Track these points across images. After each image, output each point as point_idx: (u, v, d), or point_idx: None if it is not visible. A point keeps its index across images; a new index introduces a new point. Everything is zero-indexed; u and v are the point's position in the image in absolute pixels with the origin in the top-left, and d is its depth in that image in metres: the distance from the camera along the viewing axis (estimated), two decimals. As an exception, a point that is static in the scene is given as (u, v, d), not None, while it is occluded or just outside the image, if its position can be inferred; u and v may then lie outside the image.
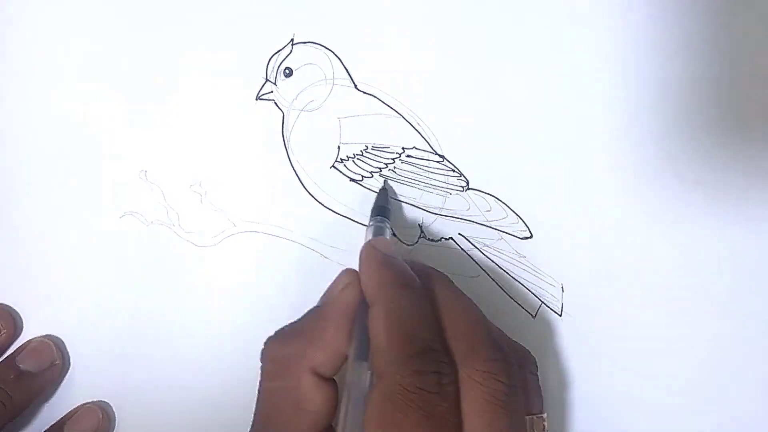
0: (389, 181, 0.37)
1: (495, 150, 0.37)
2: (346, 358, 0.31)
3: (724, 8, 0.36)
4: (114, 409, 0.39)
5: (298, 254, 0.38)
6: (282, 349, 0.31)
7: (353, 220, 0.37)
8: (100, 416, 0.38)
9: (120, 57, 0.37)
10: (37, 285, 0.39)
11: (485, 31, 0.36)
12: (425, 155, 0.37)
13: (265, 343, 0.32)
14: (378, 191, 0.37)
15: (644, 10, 0.36)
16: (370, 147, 0.37)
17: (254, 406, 0.32)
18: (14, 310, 0.39)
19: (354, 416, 0.28)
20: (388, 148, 0.37)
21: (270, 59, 0.37)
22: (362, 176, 0.37)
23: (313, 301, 0.37)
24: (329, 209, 0.38)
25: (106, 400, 0.39)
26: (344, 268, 0.33)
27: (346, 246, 0.37)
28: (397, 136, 0.37)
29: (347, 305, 0.31)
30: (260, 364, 0.32)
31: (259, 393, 0.31)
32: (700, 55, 0.36)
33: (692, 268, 0.37)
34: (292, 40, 0.37)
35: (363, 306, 0.31)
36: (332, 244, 0.38)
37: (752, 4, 0.36)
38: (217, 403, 0.38)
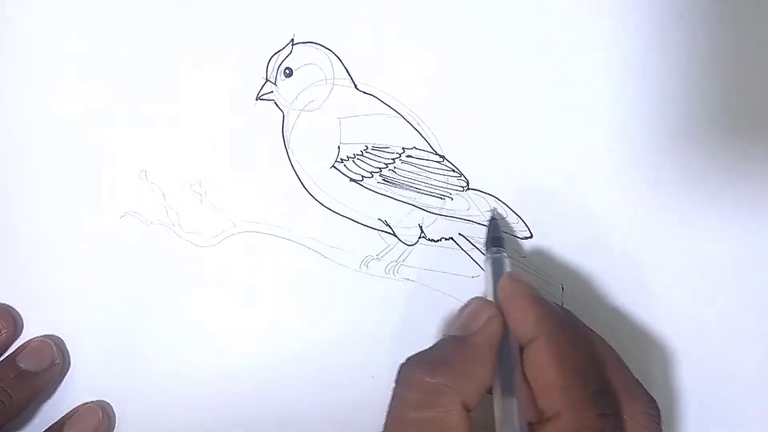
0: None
1: (495, 150, 0.37)
2: (487, 391, 0.31)
3: (724, 8, 0.36)
4: (114, 409, 0.39)
5: (298, 254, 0.38)
6: (432, 379, 0.30)
7: (353, 220, 0.37)
8: (100, 416, 0.38)
9: (120, 57, 0.37)
10: (37, 285, 0.39)
11: (485, 31, 0.36)
12: (425, 155, 0.37)
13: (405, 369, 0.31)
14: (488, 222, 0.37)
15: (644, 10, 0.36)
16: (370, 147, 0.37)
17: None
18: (14, 309, 0.39)
19: None
20: (388, 148, 0.37)
21: (270, 59, 0.37)
22: (362, 176, 0.37)
23: (313, 301, 0.37)
24: (329, 209, 0.38)
25: (106, 400, 0.39)
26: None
27: (346, 246, 0.37)
28: (397, 136, 0.37)
29: (493, 337, 0.31)
30: (396, 387, 0.31)
31: (395, 418, 0.31)
32: (700, 55, 0.36)
33: (692, 268, 0.37)
34: (292, 40, 0.37)
35: (506, 340, 0.31)
36: (332, 244, 0.38)
37: (752, 4, 0.36)
38: (217, 403, 0.38)
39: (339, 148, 0.37)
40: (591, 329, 0.33)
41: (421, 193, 0.37)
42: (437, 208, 0.37)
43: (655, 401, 0.30)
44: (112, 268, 0.38)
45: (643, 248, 0.37)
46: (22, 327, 0.39)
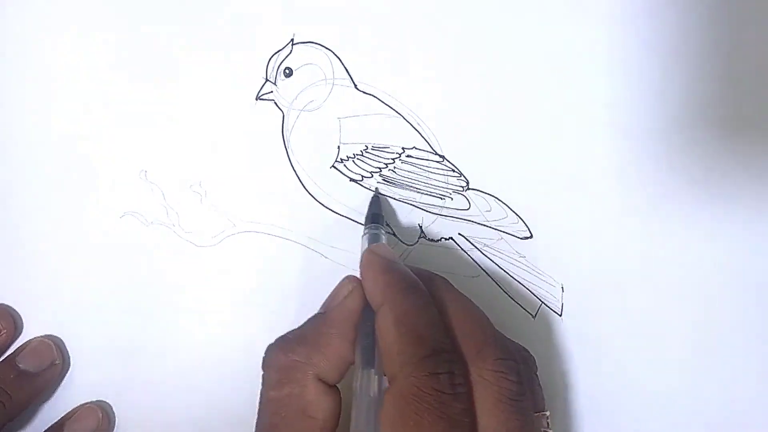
0: (381, 188, 0.37)
1: (495, 150, 0.37)
2: (350, 364, 0.31)
3: (724, 8, 0.36)
4: (114, 409, 0.39)
5: (298, 254, 0.38)
6: (286, 356, 0.31)
7: (353, 220, 0.37)
8: (100, 416, 0.38)
9: (120, 57, 0.37)
10: (37, 285, 0.38)
11: (485, 31, 0.36)
12: (425, 155, 0.37)
13: (267, 351, 0.32)
14: (371, 199, 0.37)
15: (644, 10, 0.36)
16: (370, 147, 0.37)
17: (256, 411, 0.31)
18: (14, 310, 0.39)
19: (366, 422, 0.28)
20: (388, 148, 0.37)
21: (270, 59, 0.37)
22: (362, 176, 0.37)
23: (313, 301, 0.37)
24: (329, 209, 0.38)
25: (106, 400, 0.39)
26: (345, 274, 0.33)
27: (346, 246, 0.37)
28: (397, 136, 0.37)
29: (351, 312, 0.31)
30: (261, 371, 0.31)
31: (261, 401, 0.31)
32: (700, 55, 0.36)
33: (692, 268, 0.37)
34: (292, 40, 0.37)
35: (366, 312, 0.31)
36: (332, 244, 0.38)
37: (752, 3, 0.36)
38: (217, 403, 0.38)
39: (339, 148, 0.37)
40: (457, 293, 0.32)
41: (421, 193, 0.37)
42: (437, 207, 0.37)
43: (509, 360, 0.29)
44: (112, 268, 0.38)
45: (643, 248, 0.37)
46: (22, 327, 0.39)
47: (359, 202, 0.37)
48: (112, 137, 0.38)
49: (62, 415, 0.39)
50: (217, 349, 0.38)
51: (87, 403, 0.39)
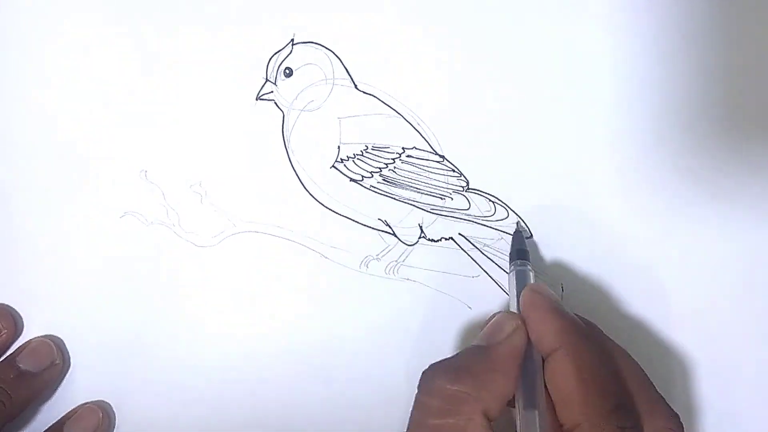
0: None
1: (495, 150, 0.37)
2: (507, 402, 0.30)
3: (724, 8, 0.36)
4: (114, 409, 0.39)
5: (298, 254, 0.38)
6: (453, 386, 0.30)
7: (353, 220, 0.37)
8: (100, 416, 0.38)
9: (120, 57, 0.37)
10: (37, 285, 0.39)
11: (485, 31, 0.36)
12: (425, 155, 0.37)
13: (428, 376, 0.31)
14: (513, 234, 0.37)
15: (644, 10, 0.36)
16: (370, 147, 0.37)
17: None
18: (14, 310, 0.39)
19: None
20: (388, 148, 0.37)
21: (270, 59, 0.37)
22: (362, 176, 0.37)
23: (313, 301, 0.37)
24: (329, 209, 0.38)
25: (106, 400, 0.39)
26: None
27: (346, 246, 0.37)
28: (397, 136, 0.37)
29: (517, 349, 0.31)
30: (418, 394, 0.31)
31: (418, 426, 0.30)
32: (700, 55, 0.36)
33: (692, 267, 0.37)
34: (292, 40, 0.37)
35: (529, 352, 0.31)
36: (332, 244, 0.38)
37: (752, 3, 0.36)
38: (217, 403, 0.38)
39: (339, 148, 0.37)
40: (615, 343, 0.33)
41: (421, 193, 0.37)
42: (437, 208, 0.37)
43: (678, 417, 0.30)
44: (112, 268, 0.38)
45: (643, 248, 0.37)
46: (23, 327, 0.39)
47: (359, 202, 0.37)
48: (112, 137, 0.38)
49: (62, 415, 0.39)
50: (217, 349, 0.38)
51: (87, 403, 0.39)
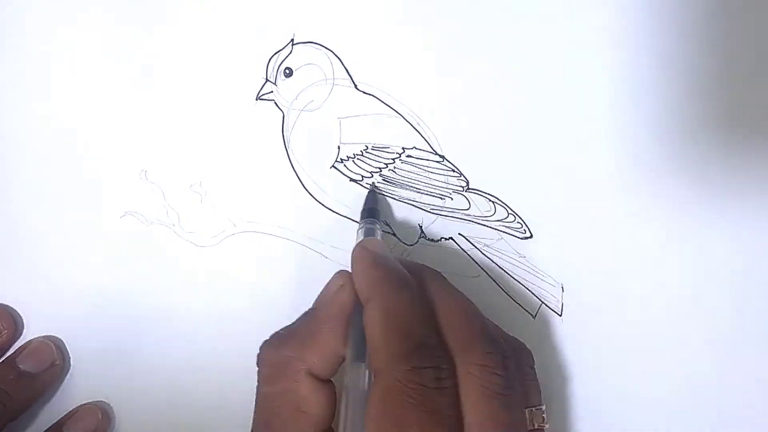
0: (381, 188, 0.37)
1: (495, 150, 0.37)
2: (342, 359, 0.31)
3: (724, 8, 0.36)
4: (113, 409, 0.39)
5: (298, 254, 0.38)
6: (278, 352, 0.31)
7: (353, 220, 0.37)
8: (100, 416, 0.38)
9: (120, 57, 0.37)
10: (37, 285, 0.38)
11: (485, 31, 0.36)
12: (425, 155, 0.37)
13: (261, 348, 0.32)
14: (367, 194, 0.37)
15: (644, 10, 0.36)
16: (370, 147, 0.37)
17: (252, 408, 0.31)
18: (15, 310, 0.39)
19: (354, 417, 0.28)
20: (388, 148, 0.37)
21: (270, 59, 0.37)
22: (362, 176, 0.37)
23: (312, 301, 0.37)
24: (329, 209, 0.38)
25: (105, 400, 0.39)
26: (338, 269, 0.33)
27: (346, 246, 0.37)
28: (397, 136, 0.37)
29: (342, 306, 0.31)
30: (257, 368, 0.31)
31: (257, 397, 0.31)
32: (700, 55, 0.36)
33: (692, 267, 0.37)
34: (292, 40, 0.37)
35: (358, 307, 0.31)
36: (332, 244, 0.38)
37: (752, 3, 0.36)
38: (217, 403, 0.38)
39: (339, 148, 0.37)
40: (445, 285, 0.32)
41: (421, 193, 0.37)
42: (437, 208, 0.37)
43: (497, 354, 0.29)
44: (112, 268, 0.38)
45: (643, 248, 0.37)
46: (23, 328, 0.39)
47: (359, 202, 0.37)
48: (112, 137, 0.38)
49: (62, 415, 0.39)
50: (216, 350, 0.38)
51: (87, 404, 0.39)
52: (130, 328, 0.38)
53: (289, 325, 0.32)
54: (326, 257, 0.38)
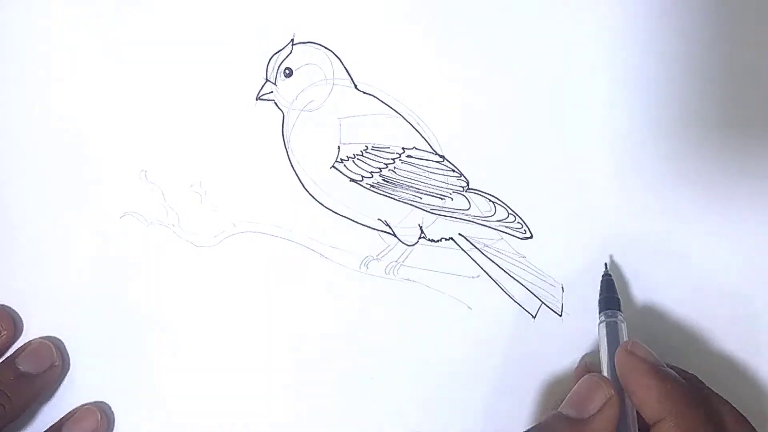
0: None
1: (495, 150, 0.37)
2: None
3: (724, 8, 0.36)
4: (113, 410, 0.39)
5: (298, 254, 0.38)
6: None
7: (353, 220, 0.37)
8: (99, 417, 0.38)
9: (120, 56, 0.37)
10: (37, 285, 0.38)
11: (485, 31, 0.36)
12: (425, 155, 0.37)
13: None
14: (602, 278, 0.36)
15: (644, 10, 0.36)
16: (370, 147, 0.37)
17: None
18: (14, 311, 0.39)
19: None
20: (388, 148, 0.37)
21: (270, 59, 0.37)
22: (362, 176, 0.37)
23: (313, 301, 0.37)
24: (329, 209, 0.38)
25: (105, 401, 0.39)
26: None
27: (346, 246, 0.37)
28: (397, 136, 0.37)
29: (610, 424, 0.30)
30: None
31: None
32: (700, 55, 0.36)
33: (692, 267, 0.37)
34: (292, 40, 0.37)
35: (622, 421, 0.31)
36: (332, 244, 0.38)
37: (752, 4, 0.36)
38: (216, 403, 0.38)
39: (339, 148, 0.37)
40: (719, 397, 0.32)
41: (421, 193, 0.37)
42: (437, 208, 0.37)
43: None
44: (112, 268, 0.38)
45: (642, 248, 0.37)
46: (22, 328, 0.39)
47: (359, 202, 0.37)
48: (112, 137, 0.38)
49: (61, 415, 0.39)
50: (216, 350, 0.38)
51: (86, 404, 0.39)
52: (130, 328, 0.38)
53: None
54: (326, 257, 0.38)
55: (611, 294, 0.35)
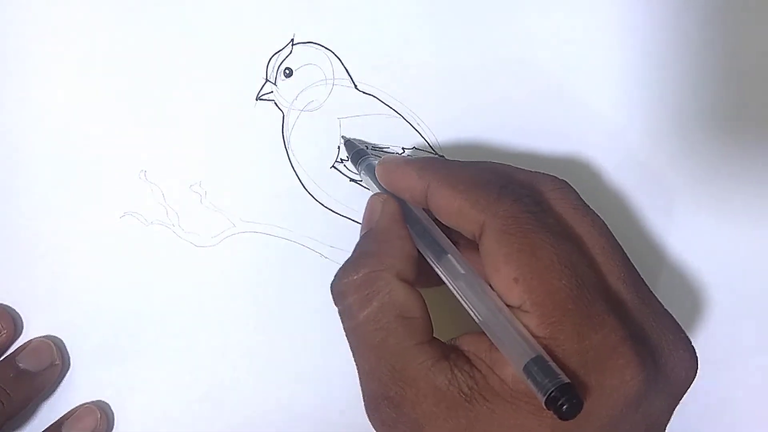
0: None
1: (495, 150, 0.37)
2: (416, 261, 0.30)
3: (724, 8, 0.36)
4: (113, 409, 0.39)
5: (298, 254, 0.38)
6: (358, 274, 0.30)
7: (353, 220, 0.37)
8: (99, 416, 0.38)
9: (120, 56, 0.37)
10: (37, 285, 0.38)
11: (485, 31, 0.36)
12: (425, 155, 0.37)
13: (335, 283, 0.31)
14: (344, 143, 0.37)
15: (644, 9, 0.36)
16: (370, 147, 0.37)
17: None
18: (14, 310, 0.39)
19: (478, 290, 0.28)
20: (388, 148, 0.37)
21: (270, 59, 0.37)
22: (362, 176, 0.37)
23: (312, 301, 0.37)
24: (329, 209, 0.38)
25: (104, 400, 0.39)
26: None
27: (346, 246, 0.37)
28: (397, 136, 0.37)
29: (395, 215, 0.32)
30: (337, 308, 0.31)
31: (353, 332, 0.30)
32: (699, 55, 0.36)
33: (692, 267, 0.37)
34: (292, 40, 0.37)
35: (409, 212, 0.32)
36: (332, 244, 0.38)
37: (752, 4, 0.36)
38: (216, 403, 0.38)
39: (339, 148, 0.37)
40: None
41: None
42: (437, 208, 0.37)
43: (564, 180, 0.30)
44: (112, 268, 0.38)
45: (642, 248, 0.37)
46: (22, 328, 0.39)
47: (359, 202, 0.37)
48: (112, 137, 0.38)
49: (61, 415, 0.39)
50: (216, 349, 0.38)
51: (86, 404, 0.39)
52: (130, 328, 0.38)
53: (353, 254, 0.31)
54: (326, 257, 0.38)
55: (356, 148, 0.36)
